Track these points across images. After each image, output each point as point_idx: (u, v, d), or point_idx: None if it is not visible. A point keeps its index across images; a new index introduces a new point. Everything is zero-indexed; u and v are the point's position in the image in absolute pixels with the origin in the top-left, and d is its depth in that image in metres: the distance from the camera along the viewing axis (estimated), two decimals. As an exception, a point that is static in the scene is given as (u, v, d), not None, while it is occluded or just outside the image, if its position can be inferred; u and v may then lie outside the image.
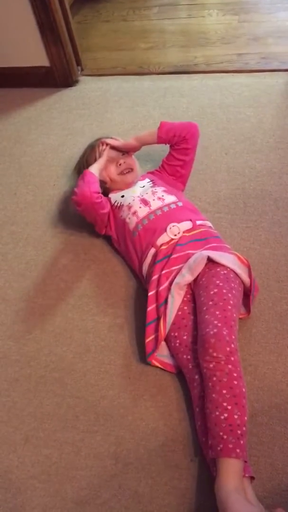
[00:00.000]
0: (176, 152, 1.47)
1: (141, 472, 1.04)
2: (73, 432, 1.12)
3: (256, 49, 2.19)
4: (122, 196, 1.42)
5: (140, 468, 1.04)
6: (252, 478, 0.95)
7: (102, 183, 1.45)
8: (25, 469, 1.08)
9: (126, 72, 2.21)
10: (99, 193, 1.35)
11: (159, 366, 1.17)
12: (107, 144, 1.49)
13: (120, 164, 1.47)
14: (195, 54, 2.23)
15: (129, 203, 1.37)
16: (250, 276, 1.19)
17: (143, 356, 1.18)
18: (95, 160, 1.46)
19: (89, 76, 2.22)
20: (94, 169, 1.40)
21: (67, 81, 2.15)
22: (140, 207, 1.34)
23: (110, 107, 2.01)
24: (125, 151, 1.50)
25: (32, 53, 2.08)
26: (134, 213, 1.34)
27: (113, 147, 1.50)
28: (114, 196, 1.44)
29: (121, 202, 1.40)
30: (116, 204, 1.42)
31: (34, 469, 1.08)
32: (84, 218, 1.43)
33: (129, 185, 1.45)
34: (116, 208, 1.42)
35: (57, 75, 2.12)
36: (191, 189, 1.57)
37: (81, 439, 1.11)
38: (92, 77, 2.21)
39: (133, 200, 1.37)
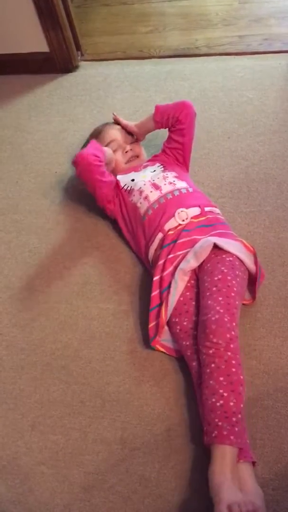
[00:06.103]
0: (173, 134, 1.46)
1: (148, 457, 1.05)
2: (79, 418, 1.13)
3: (258, 31, 2.15)
4: (132, 180, 1.40)
5: (147, 452, 1.05)
6: (254, 462, 0.96)
7: (109, 165, 1.44)
8: (33, 455, 1.09)
9: (127, 56, 2.17)
10: (99, 157, 1.34)
11: (163, 350, 1.17)
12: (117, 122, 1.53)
13: (126, 152, 1.46)
14: (196, 37, 2.19)
15: (140, 188, 1.35)
16: (256, 263, 1.18)
17: (148, 342, 1.18)
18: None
19: (89, 61, 2.18)
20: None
21: (67, 66, 2.12)
22: (151, 191, 1.33)
23: (111, 92, 1.98)
24: (130, 132, 1.51)
25: (30, 38, 2.05)
26: (146, 197, 1.32)
27: (122, 127, 1.51)
28: (123, 179, 1.42)
29: (131, 186, 1.39)
30: (126, 187, 1.40)
31: (41, 455, 1.09)
32: (88, 202, 1.42)
33: (135, 168, 1.44)
34: (126, 192, 1.40)
35: (56, 61, 2.10)
36: (194, 174, 1.56)
37: (88, 424, 1.12)
38: (92, 62, 2.18)
39: (144, 184, 1.35)
